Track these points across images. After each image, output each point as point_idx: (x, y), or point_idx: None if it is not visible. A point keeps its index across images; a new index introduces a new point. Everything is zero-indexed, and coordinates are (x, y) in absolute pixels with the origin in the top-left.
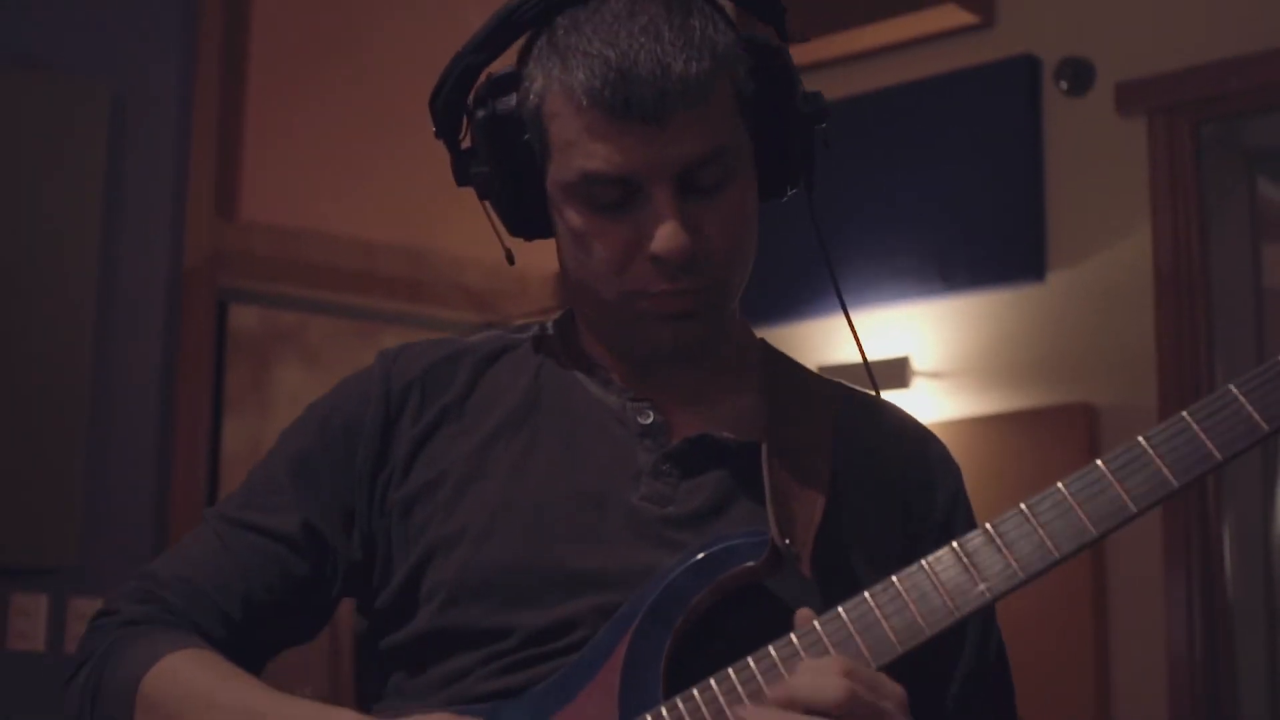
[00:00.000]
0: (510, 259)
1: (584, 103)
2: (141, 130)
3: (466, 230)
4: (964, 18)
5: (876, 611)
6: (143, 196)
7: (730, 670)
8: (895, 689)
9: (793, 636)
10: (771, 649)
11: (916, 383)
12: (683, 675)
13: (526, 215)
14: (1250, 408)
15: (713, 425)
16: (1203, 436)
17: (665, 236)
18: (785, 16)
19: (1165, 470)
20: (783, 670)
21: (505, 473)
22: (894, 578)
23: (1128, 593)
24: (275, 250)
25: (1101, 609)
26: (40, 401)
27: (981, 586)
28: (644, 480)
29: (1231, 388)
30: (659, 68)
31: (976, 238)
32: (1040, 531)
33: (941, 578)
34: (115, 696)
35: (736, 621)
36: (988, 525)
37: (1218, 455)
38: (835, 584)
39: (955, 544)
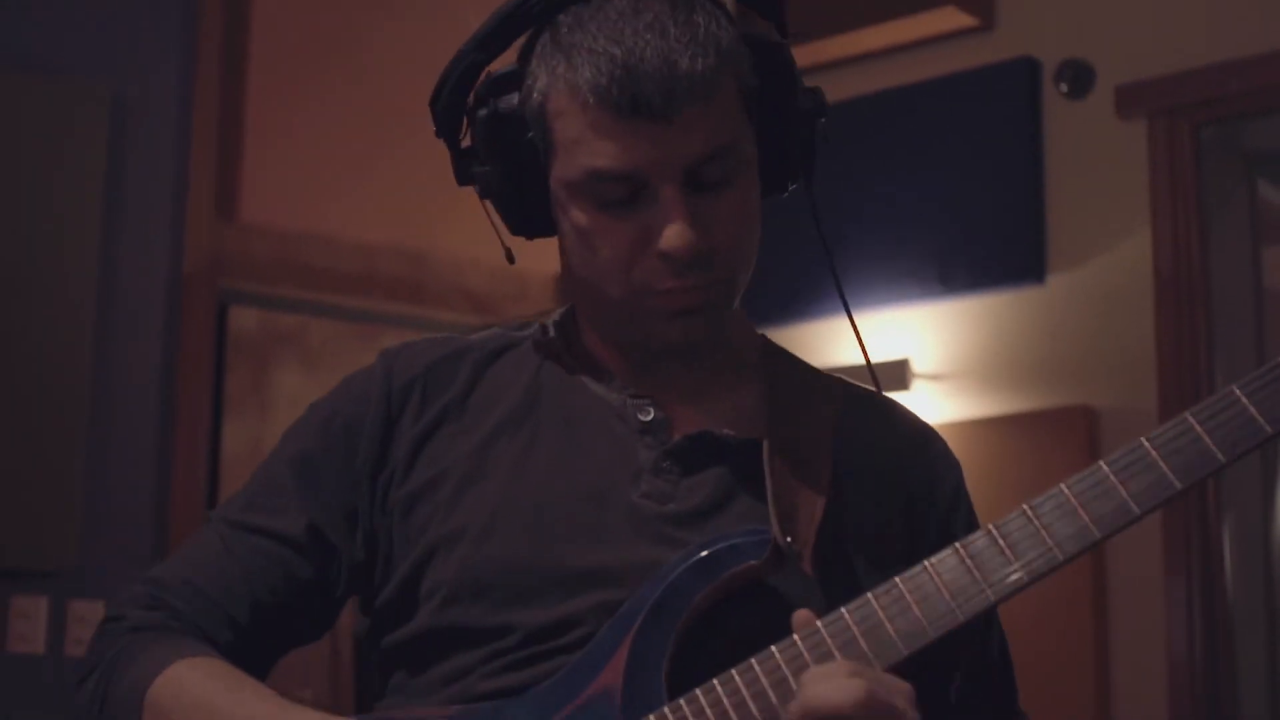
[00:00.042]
0: (510, 258)
1: (590, 100)
2: (141, 132)
3: (467, 232)
4: (964, 20)
5: (880, 614)
6: (143, 198)
7: (734, 672)
8: (903, 685)
9: (796, 638)
10: (775, 650)
11: (916, 385)
12: (683, 673)
13: (529, 214)
14: (1253, 409)
15: (713, 422)
16: (1206, 438)
17: (673, 234)
18: (785, 11)
19: (1168, 472)
20: (787, 673)
21: (505, 471)
22: (897, 579)
23: (1128, 594)
24: (275, 252)
25: (1101, 610)
26: (40, 405)
27: (985, 588)
28: (644, 477)
29: (1234, 389)
30: (665, 64)
31: (976, 240)
32: (1043, 533)
33: (945, 579)
34: (122, 704)
35: (737, 619)
36: (991, 527)
37: (1221, 457)
38: (836, 581)
39: (958, 545)
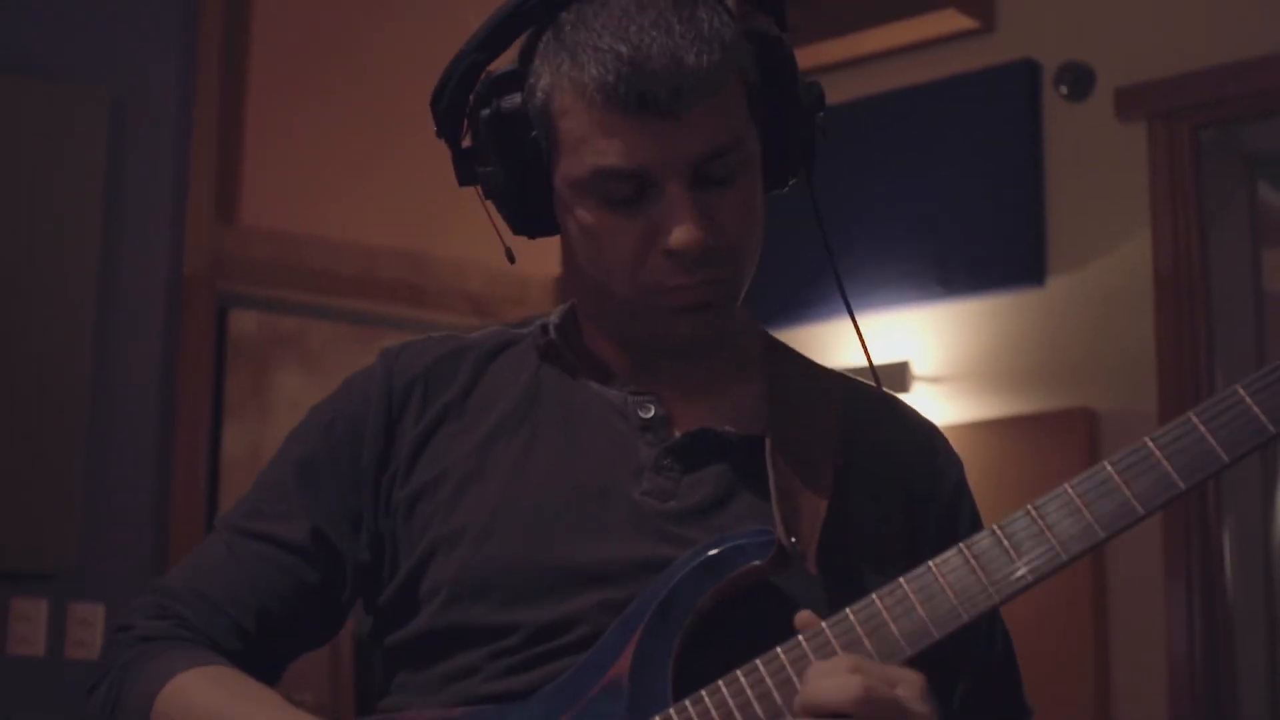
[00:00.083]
0: (511, 258)
1: (596, 98)
2: (141, 134)
3: (467, 234)
4: (964, 23)
5: (884, 614)
6: (143, 200)
7: (739, 673)
8: (910, 676)
9: (800, 639)
10: (780, 651)
11: (916, 387)
12: (687, 672)
13: (532, 213)
14: (1257, 409)
15: (714, 419)
16: (1209, 438)
17: (681, 231)
18: (785, 6)
19: (1171, 471)
20: (791, 673)
21: (506, 470)
22: (901, 579)
23: (1128, 594)
24: (275, 255)
25: (1101, 610)
26: (40, 407)
27: (989, 588)
28: (645, 475)
29: (1238, 389)
30: (672, 61)
31: (977, 242)
32: (1047, 533)
33: (949, 579)
34: (132, 712)
35: (741, 618)
36: (995, 527)
37: (1224, 456)
38: (840, 580)
39: (962, 546)
